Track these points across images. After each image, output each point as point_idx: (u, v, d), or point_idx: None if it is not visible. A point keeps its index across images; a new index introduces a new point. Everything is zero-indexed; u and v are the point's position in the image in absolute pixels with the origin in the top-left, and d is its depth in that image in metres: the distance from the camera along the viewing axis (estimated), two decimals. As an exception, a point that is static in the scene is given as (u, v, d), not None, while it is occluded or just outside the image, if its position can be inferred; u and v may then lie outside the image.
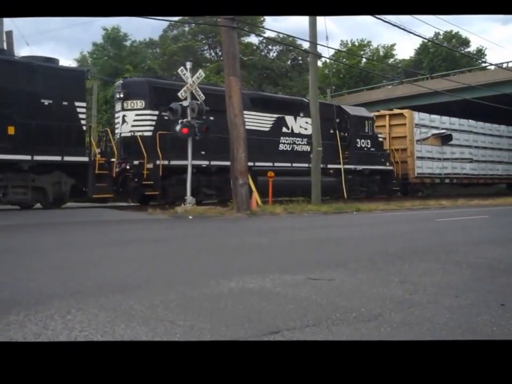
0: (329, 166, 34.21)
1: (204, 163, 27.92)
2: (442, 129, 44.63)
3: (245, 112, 26.35)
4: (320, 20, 29.99)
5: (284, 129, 32.96)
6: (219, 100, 25.34)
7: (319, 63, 53.59)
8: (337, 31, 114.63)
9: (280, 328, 5.25)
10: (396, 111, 44.56)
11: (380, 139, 39.53)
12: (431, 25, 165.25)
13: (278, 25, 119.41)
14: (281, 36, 58.04)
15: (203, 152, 27.30)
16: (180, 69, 24.59)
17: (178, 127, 23.56)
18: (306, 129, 33.07)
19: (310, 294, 6.81)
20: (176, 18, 47.90)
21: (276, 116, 32.38)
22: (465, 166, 47.54)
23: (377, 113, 43.00)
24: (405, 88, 53.37)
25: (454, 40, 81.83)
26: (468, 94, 45.74)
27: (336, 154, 34.78)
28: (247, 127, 26.22)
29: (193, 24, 64.87)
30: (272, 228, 17.50)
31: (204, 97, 24.77)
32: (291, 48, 69.20)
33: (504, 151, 53.03)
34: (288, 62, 79.88)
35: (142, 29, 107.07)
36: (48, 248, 11.90)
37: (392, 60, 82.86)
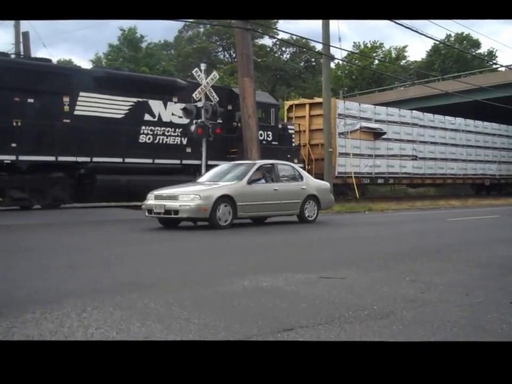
0: (210, 163, 26.01)
1: (9, 159, 21.31)
2: (376, 121, 37.54)
3: (86, 94, 23.66)
4: (333, 22, 29.86)
5: (147, 117, 25.94)
6: (41, 79, 22.03)
7: (332, 65, 53.57)
8: (349, 33, 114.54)
9: (293, 326, 5.24)
10: (317, 99, 37.80)
11: (290, 131, 32.45)
12: (442, 27, 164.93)
13: (291, 27, 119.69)
14: (294, 37, 58.05)
15: (14, 145, 21.42)
16: (194, 70, 24.60)
17: (193, 128, 23.59)
18: (181, 117, 25.91)
19: (323, 293, 6.80)
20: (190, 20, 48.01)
21: (134, 100, 25.34)
22: (406, 164, 40.45)
23: (297, 102, 37.95)
24: (417, 89, 53.26)
25: (465, 42, 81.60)
26: (479, 95, 45.60)
27: (224, 149, 27.99)
28: (86, 113, 23.55)
29: (208, 26, 65.05)
30: (284, 227, 17.47)
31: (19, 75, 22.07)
32: (304, 50, 69.25)
33: (460, 147, 45.67)
34: (302, 64, 79.93)
35: (156, 30, 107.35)
36: (65, 247, 11.93)
37: (404, 61, 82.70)
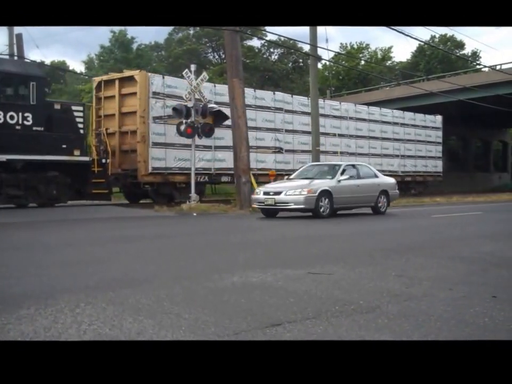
0: None
1: None
2: (218, 103, 27.43)
3: None
4: (320, 23, 29.67)
5: None
6: None
7: (319, 65, 53.56)
8: (336, 34, 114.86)
9: (281, 321, 5.27)
10: (127, 73, 29.19)
11: (76, 113, 24.38)
12: (427, 28, 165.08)
13: (279, 28, 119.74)
14: (282, 38, 58.02)
15: None
16: (184, 71, 24.63)
17: (182, 127, 23.64)
18: None
19: (311, 288, 6.83)
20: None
21: None
22: (265, 158, 32.06)
23: (106, 77, 29.14)
24: (402, 89, 53.39)
25: (449, 43, 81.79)
26: (463, 95, 45.72)
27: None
28: None
29: (198, 28, 64.96)
30: (274, 224, 17.51)
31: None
32: (292, 51, 69.26)
33: (346, 138, 37.67)
34: (289, 64, 79.93)
35: (146, 31, 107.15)
36: (58, 244, 11.92)
37: (389, 62, 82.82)
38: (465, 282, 7.26)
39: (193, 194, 23.96)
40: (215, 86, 30.18)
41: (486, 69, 55.61)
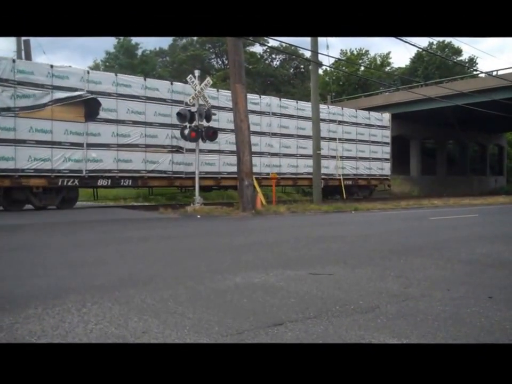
0: None
1: None
2: (89, 92, 24.42)
3: None
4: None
5: None
6: None
7: (320, 71, 53.59)
8: (336, 41, 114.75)
9: (283, 320, 5.27)
10: None
11: None
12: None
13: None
14: (284, 45, 58.05)
15: None
16: (188, 77, 24.68)
17: (186, 131, 23.68)
18: None
19: (312, 288, 6.83)
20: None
21: None
22: (159, 159, 26.79)
23: None
24: (401, 94, 53.33)
25: (447, 49, 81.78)
26: (460, 100, 45.71)
27: None
28: None
29: (201, 34, 65.07)
30: (275, 226, 17.50)
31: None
32: (293, 57, 69.33)
33: (268, 136, 32.52)
34: (291, 70, 79.96)
35: (150, 38, 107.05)
36: (64, 245, 11.92)
37: (388, 68, 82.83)
38: (462, 283, 7.26)
39: (197, 197, 24.05)
40: (88, 72, 25.29)
41: (483, 75, 55.62)
